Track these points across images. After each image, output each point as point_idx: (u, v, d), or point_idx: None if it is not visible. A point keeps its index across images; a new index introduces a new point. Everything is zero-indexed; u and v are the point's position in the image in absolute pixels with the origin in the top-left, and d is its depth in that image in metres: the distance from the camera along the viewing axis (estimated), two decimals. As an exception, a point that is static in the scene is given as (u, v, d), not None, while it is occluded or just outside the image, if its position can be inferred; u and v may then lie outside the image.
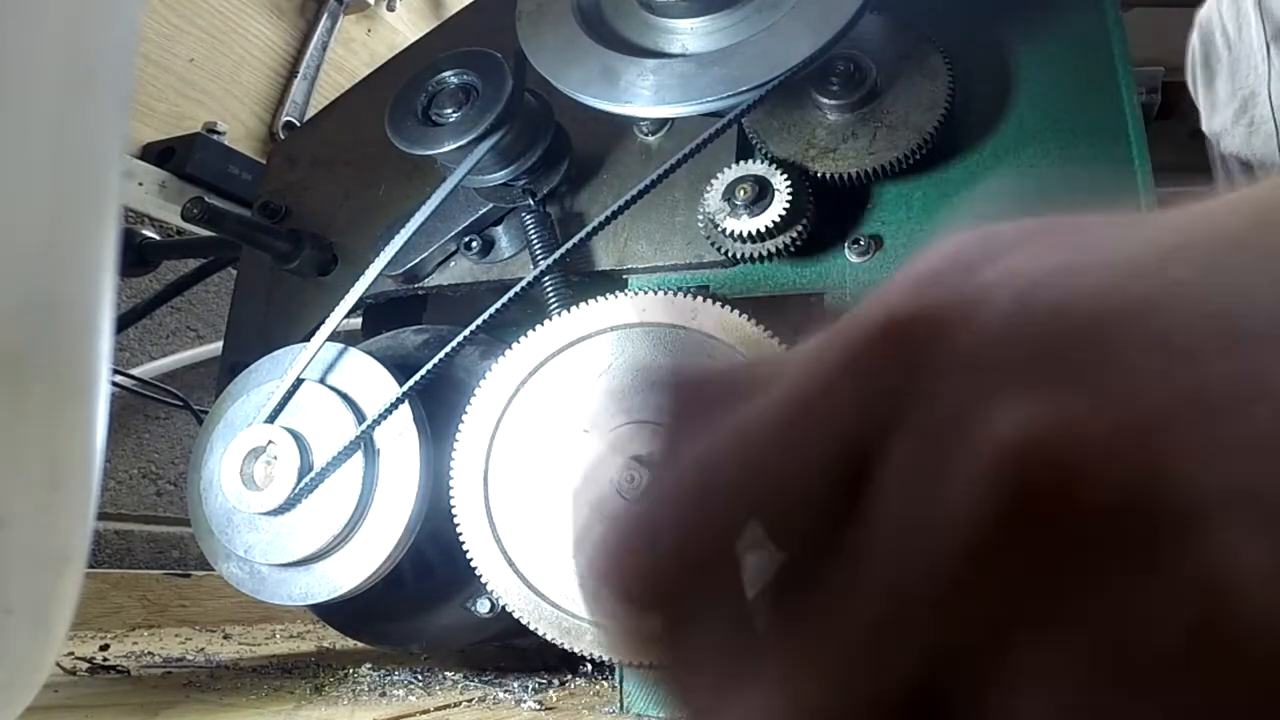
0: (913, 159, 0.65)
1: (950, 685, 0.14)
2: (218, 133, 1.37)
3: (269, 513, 0.64)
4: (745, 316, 0.56)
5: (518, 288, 0.63)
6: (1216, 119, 1.01)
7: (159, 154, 1.33)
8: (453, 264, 0.76)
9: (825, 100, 0.67)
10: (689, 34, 0.67)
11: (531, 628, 0.58)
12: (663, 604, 0.16)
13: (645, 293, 0.59)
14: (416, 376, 0.64)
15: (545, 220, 0.71)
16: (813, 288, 0.66)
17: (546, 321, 0.61)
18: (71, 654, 0.85)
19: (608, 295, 0.60)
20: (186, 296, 1.29)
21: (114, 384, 1.21)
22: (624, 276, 0.71)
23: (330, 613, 0.79)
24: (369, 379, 0.67)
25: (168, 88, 1.36)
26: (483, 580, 0.59)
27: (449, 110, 0.69)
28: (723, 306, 0.57)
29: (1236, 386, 0.13)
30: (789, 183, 0.63)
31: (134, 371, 1.25)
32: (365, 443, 0.65)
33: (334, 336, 0.68)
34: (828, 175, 0.66)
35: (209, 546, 0.67)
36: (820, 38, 0.61)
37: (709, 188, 0.65)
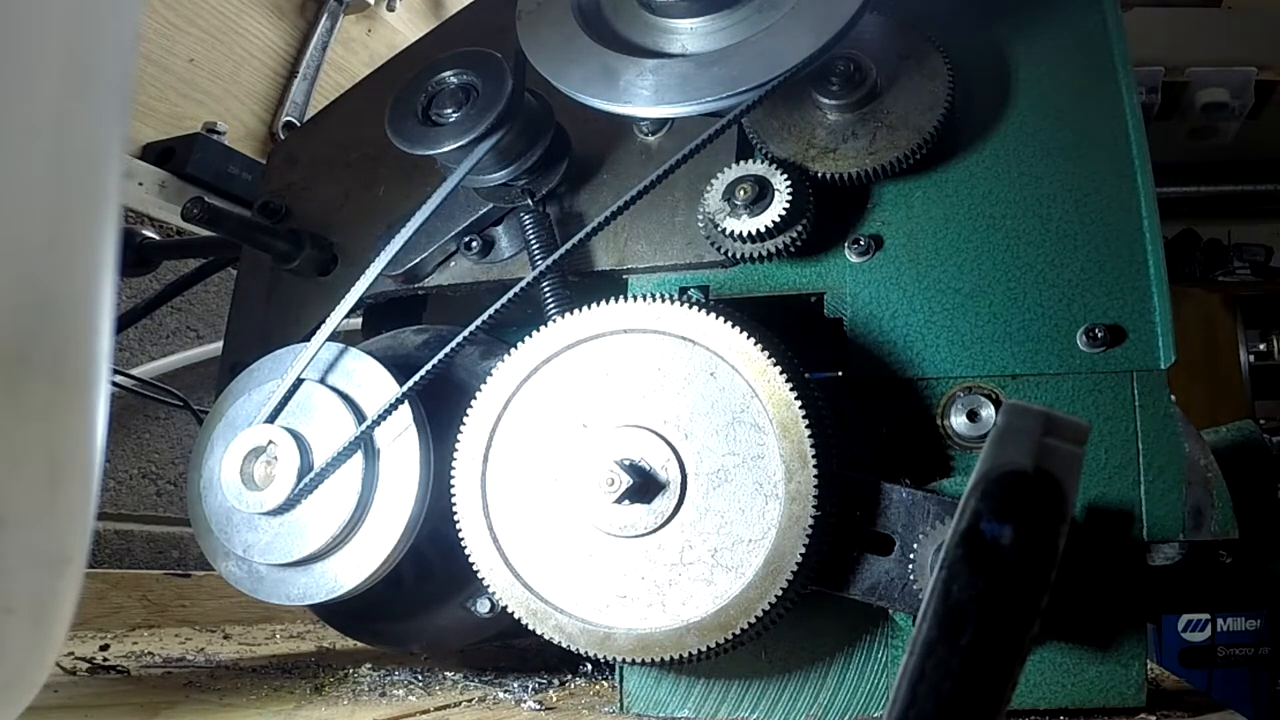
0: (913, 159, 0.65)
1: None
2: (218, 133, 1.37)
3: (269, 512, 0.64)
4: (753, 340, 0.56)
5: (518, 288, 0.63)
6: None
7: (159, 154, 1.33)
8: (453, 264, 0.76)
9: (825, 100, 0.67)
10: (689, 34, 0.67)
11: (530, 628, 0.58)
12: None
13: (658, 300, 0.59)
14: (416, 376, 0.64)
15: (543, 221, 0.71)
16: (813, 288, 0.66)
17: (549, 322, 0.61)
18: (71, 654, 0.85)
19: (617, 298, 0.60)
20: (186, 296, 1.29)
21: (114, 384, 1.21)
22: (624, 277, 0.71)
23: (330, 613, 0.79)
24: (369, 379, 0.67)
25: (168, 88, 1.36)
26: (482, 580, 0.59)
27: (449, 110, 0.69)
28: (733, 326, 0.57)
29: None
30: (789, 183, 0.63)
31: (134, 371, 1.25)
32: (365, 443, 0.65)
33: (334, 336, 0.68)
34: (828, 175, 0.66)
35: (208, 545, 0.67)
36: (820, 38, 0.61)
37: (709, 188, 0.65)
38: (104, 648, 0.92)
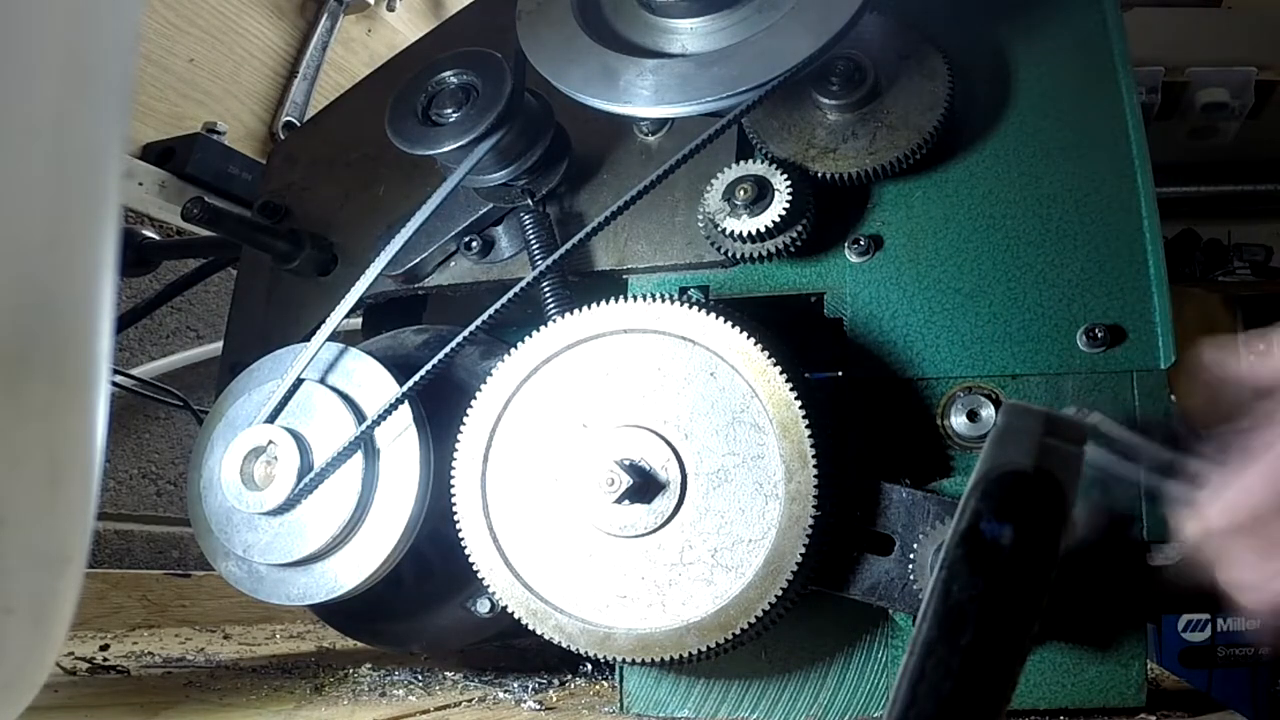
0: (913, 159, 0.65)
1: None
2: (218, 133, 1.37)
3: (269, 512, 0.64)
4: (753, 341, 0.56)
5: (518, 288, 0.63)
6: None
7: (159, 154, 1.33)
8: (453, 264, 0.76)
9: (825, 100, 0.67)
10: (689, 34, 0.67)
11: (530, 627, 0.58)
12: None
13: (660, 300, 0.59)
14: (416, 376, 0.64)
15: (543, 221, 0.71)
16: (813, 288, 0.66)
17: (549, 322, 0.61)
18: (71, 654, 0.85)
19: (618, 298, 0.60)
20: (186, 296, 1.29)
21: (114, 384, 1.20)
22: (623, 277, 0.71)
23: (330, 613, 0.79)
24: (369, 379, 0.67)
25: (168, 88, 1.36)
26: (482, 580, 0.59)
27: (449, 110, 0.69)
28: (733, 326, 0.57)
29: None
30: (789, 183, 0.63)
31: (134, 371, 1.25)
32: (365, 443, 0.65)
33: (334, 336, 0.68)
34: (828, 175, 0.66)
35: (208, 545, 0.67)
36: (820, 38, 0.61)
37: (709, 188, 0.65)
38: (104, 648, 0.92)
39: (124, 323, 1.11)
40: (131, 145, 1.32)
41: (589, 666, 0.80)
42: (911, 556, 0.55)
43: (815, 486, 0.54)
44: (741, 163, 0.65)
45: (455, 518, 0.60)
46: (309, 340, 0.68)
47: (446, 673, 0.79)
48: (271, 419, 0.66)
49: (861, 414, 0.63)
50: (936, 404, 0.63)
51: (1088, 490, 0.47)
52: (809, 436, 0.54)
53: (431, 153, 0.68)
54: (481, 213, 0.74)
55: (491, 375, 0.61)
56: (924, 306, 0.64)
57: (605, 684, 0.75)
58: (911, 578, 0.55)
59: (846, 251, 0.66)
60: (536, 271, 0.64)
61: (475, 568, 0.59)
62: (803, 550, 0.53)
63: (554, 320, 0.60)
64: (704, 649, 0.54)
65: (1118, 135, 0.64)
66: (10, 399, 0.31)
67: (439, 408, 0.67)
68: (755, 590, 0.54)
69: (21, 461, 0.32)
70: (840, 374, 0.65)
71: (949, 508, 0.56)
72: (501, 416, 0.60)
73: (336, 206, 0.83)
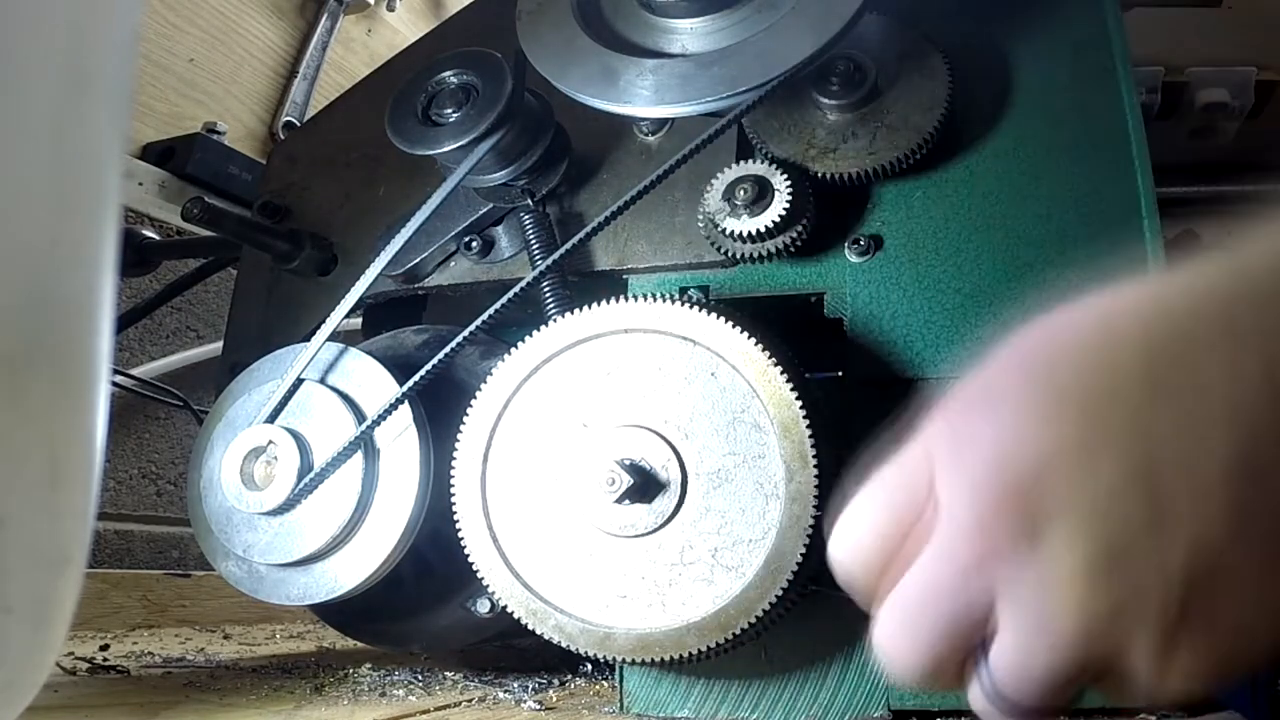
0: (913, 159, 0.65)
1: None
2: (218, 133, 1.37)
3: (269, 513, 0.64)
4: (754, 341, 0.56)
5: (518, 288, 0.63)
6: None
7: (159, 154, 1.33)
8: (453, 264, 0.76)
9: (825, 100, 0.67)
10: (689, 34, 0.67)
11: (530, 627, 0.58)
12: None
13: (661, 300, 0.59)
14: (416, 376, 0.64)
15: (543, 221, 0.71)
16: (813, 288, 0.66)
17: (550, 322, 0.61)
18: (71, 654, 0.85)
19: (619, 298, 0.60)
20: (186, 296, 1.29)
21: (114, 384, 1.21)
22: (624, 277, 0.71)
23: (330, 613, 0.79)
24: (369, 379, 0.67)
25: (168, 88, 1.36)
26: (482, 580, 0.59)
27: (449, 110, 0.69)
28: (734, 327, 0.57)
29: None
30: (789, 183, 0.63)
31: (134, 371, 1.25)
32: (365, 443, 0.65)
33: (334, 336, 0.68)
34: (828, 175, 0.66)
35: (208, 545, 0.67)
36: (820, 38, 0.61)
37: (709, 188, 0.65)
38: (104, 648, 0.92)
39: (124, 323, 1.11)
40: (131, 145, 1.32)
41: (589, 666, 0.80)
42: (911, 556, 0.55)
43: (816, 486, 0.54)
44: (741, 163, 0.65)
45: (455, 518, 0.60)
46: (309, 340, 0.68)
47: (446, 673, 0.79)
48: (271, 419, 0.66)
49: (861, 414, 0.63)
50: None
51: None
52: (809, 437, 0.54)
53: (431, 153, 0.68)
54: (481, 213, 0.74)
55: (491, 375, 0.61)
56: (924, 306, 0.64)
57: (605, 684, 0.75)
58: (911, 578, 0.55)
59: (846, 251, 0.66)
60: (536, 271, 0.64)
61: (475, 568, 0.59)
62: (803, 550, 0.53)
63: (554, 320, 0.60)
64: (704, 649, 0.54)
65: (1118, 135, 0.64)
66: (10, 399, 0.31)
67: (439, 408, 0.67)
68: (755, 590, 0.54)
69: (21, 461, 0.32)
70: (840, 374, 0.65)
71: (949, 508, 0.56)
72: (501, 416, 0.60)
73: (336, 206, 0.83)
